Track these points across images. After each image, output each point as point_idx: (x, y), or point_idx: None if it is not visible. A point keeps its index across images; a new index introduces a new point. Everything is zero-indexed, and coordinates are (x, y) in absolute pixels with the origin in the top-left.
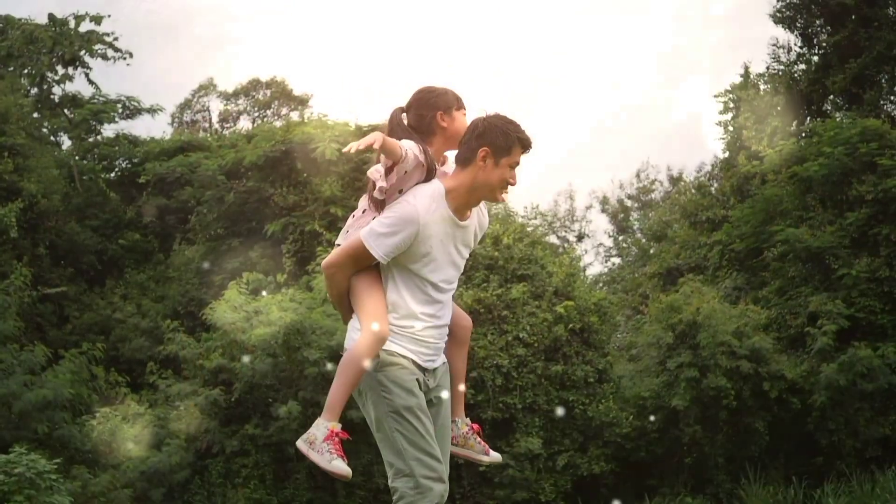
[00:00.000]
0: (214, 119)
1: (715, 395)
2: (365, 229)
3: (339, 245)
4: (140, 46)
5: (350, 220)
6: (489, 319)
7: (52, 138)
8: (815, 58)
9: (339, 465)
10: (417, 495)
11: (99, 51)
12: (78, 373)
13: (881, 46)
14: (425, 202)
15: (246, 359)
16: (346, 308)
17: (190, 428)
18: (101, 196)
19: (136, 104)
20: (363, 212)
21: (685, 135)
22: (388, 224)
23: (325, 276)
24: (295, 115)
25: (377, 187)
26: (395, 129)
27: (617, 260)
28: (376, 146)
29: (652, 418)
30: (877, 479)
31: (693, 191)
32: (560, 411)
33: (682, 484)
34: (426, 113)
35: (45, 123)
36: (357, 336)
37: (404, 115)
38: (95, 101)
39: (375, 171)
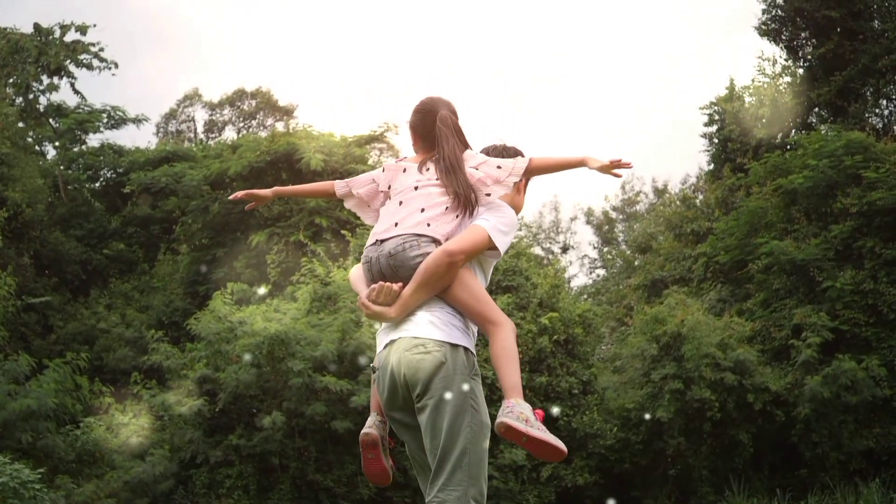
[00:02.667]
0: (199, 129)
1: (699, 407)
2: (489, 225)
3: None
4: (125, 56)
5: (421, 215)
6: None
7: (37, 148)
8: (801, 70)
9: (560, 442)
10: None
11: (84, 61)
12: (62, 382)
13: (866, 59)
14: None
15: (247, 356)
16: (429, 295)
17: (174, 438)
18: (86, 206)
19: (121, 114)
20: (445, 209)
21: (670, 146)
22: (506, 224)
23: (443, 263)
24: (280, 126)
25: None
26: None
27: (602, 271)
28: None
29: (647, 416)
30: (860, 492)
31: (678, 203)
32: (556, 410)
33: (666, 495)
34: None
35: (30, 133)
36: (456, 325)
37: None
38: (80, 110)
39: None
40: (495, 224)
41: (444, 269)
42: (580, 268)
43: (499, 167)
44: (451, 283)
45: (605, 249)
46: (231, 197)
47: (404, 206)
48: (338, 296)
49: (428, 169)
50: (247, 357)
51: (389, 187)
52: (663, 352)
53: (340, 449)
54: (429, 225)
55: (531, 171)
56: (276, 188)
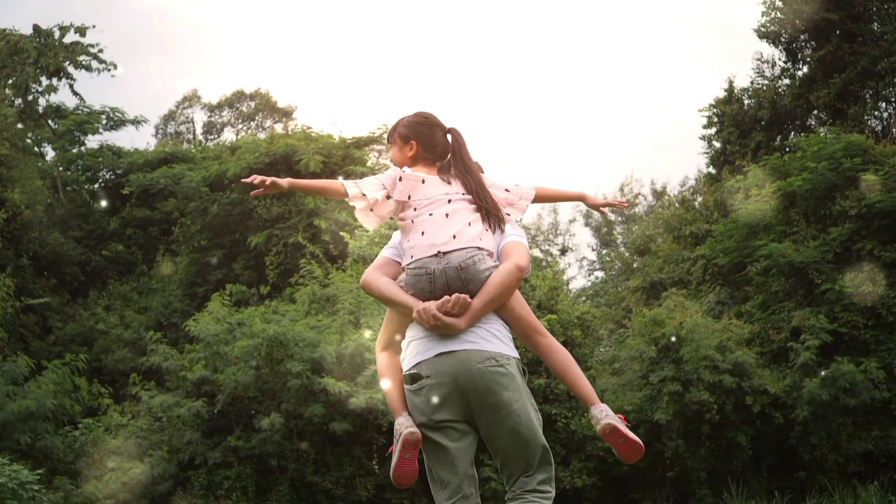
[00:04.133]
0: (198, 130)
1: (698, 409)
2: (525, 243)
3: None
4: (125, 58)
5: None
6: None
7: (36, 149)
8: (800, 73)
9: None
10: None
11: (83, 62)
12: (61, 384)
13: (865, 62)
14: None
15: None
16: (494, 308)
17: (173, 439)
18: (85, 207)
19: (120, 115)
20: (485, 225)
21: (669, 148)
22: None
23: (516, 278)
24: (279, 127)
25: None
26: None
27: (600, 274)
28: None
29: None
30: (859, 495)
31: (677, 205)
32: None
33: (664, 498)
34: None
35: (30, 134)
36: (510, 338)
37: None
38: (80, 111)
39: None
40: (526, 242)
41: (516, 283)
42: (579, 270)
43: (507, 190)
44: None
45: (604, 251)
46: (248, 179)
47: (452, 219)
48: (336, 297)
49: (450, 183)
50: (252, 363)
51: (409, 197)
52: (662, 354)
53: (339, 450)
54: (481, 239)
55: (534, 200)
56: (290, 179)
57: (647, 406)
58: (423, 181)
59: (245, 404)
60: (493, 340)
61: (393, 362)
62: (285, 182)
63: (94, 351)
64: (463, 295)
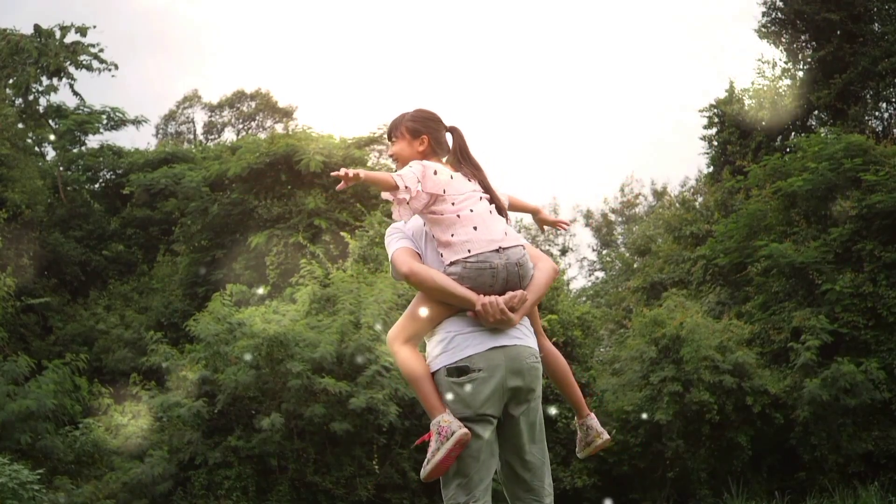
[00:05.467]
0: (199, 130)
1: (698, 410)
2: None
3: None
4: (125, 58)
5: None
6: None
7: (36, 149)
8: (801, 73)
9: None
10: None
11: (84, 62)
12: (61, 383)
13: (866, 62)
14: None
15: (248, 356)
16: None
17: (173, 439)
18: (86, 207)
19: (120, 115)
20: None
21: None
22: None
23: (553, 279)
24: (280, 127)
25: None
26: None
27: (601, 274)
28: None
29: (644, 416)
30: (859, 495)
31: (677, 205)
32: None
33: (664, 498)
34: None
35: (30, 134)
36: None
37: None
38: (80, 111)
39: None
40: None
41: (552, 284)
42: (579, 270)
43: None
44: None
45: (605, 252)
46: (336, 173)
47: (495, 216)
48: (337, 297)
49: (470, 179)
50: (247, 357)
51: (444, 191)
52: (662, 354)
53: (339, 450)
54: (520, 237)
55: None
56: (364, 170)
57: (647, 406)
58: (451, 176)
59: (245, 404)
60: (531, 336)
61: (420, 357)
62: (362, 174)
63: (94, 351)
64: (523, 291)
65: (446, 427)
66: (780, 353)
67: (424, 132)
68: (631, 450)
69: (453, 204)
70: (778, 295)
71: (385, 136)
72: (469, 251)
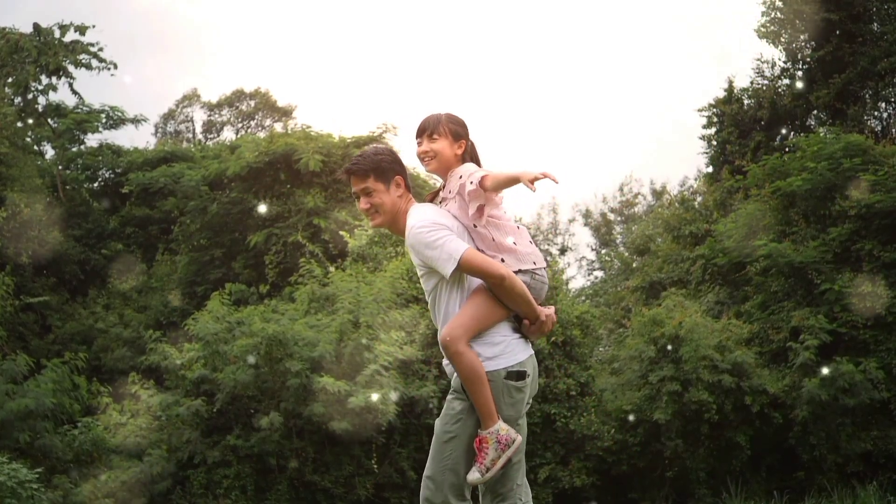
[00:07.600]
0: (198, 129)
1: (697, 409)
2: None
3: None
4: (125, 57)
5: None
6: None
7: (35, 147)
8: (800, 73)
9: None
10: None
11: (83, 61)
12: (60, 382)
13: (865, 62)
14: None
15: (251, 358)
16: None
17: (172, 438)
18: (85, 206)
19: (119, 114)
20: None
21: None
22: None
23: None
24: (279, 126)
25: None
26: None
27: (600, 273)
28: None
29: (632, 418)
30: (857, 495)
31: (676, 205)
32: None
33: (663, 498)
34: None
35: (29, 133)
36: None
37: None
38: (79, 110)
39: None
40: None
41: None
42: (578, 269)
43: None
44: None
45: (604, 251)
46: (537, 175)
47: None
48: (336, 297)
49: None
50: (250, 360)
51: (500, 198)
52: (661, 354)
53: (338, 450)
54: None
55: None
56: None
57: (646, 406)
58: None
59: (244, 403)
60: None
61: (480, 360)
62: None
63: (93, 350)
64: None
65: (506, 436)
66: (778, 353)
67: (464, 137)
68: (630, 449)
69: (505, 212)
70: (777, 294)
71: (382, 134)
72: (534, 263)
